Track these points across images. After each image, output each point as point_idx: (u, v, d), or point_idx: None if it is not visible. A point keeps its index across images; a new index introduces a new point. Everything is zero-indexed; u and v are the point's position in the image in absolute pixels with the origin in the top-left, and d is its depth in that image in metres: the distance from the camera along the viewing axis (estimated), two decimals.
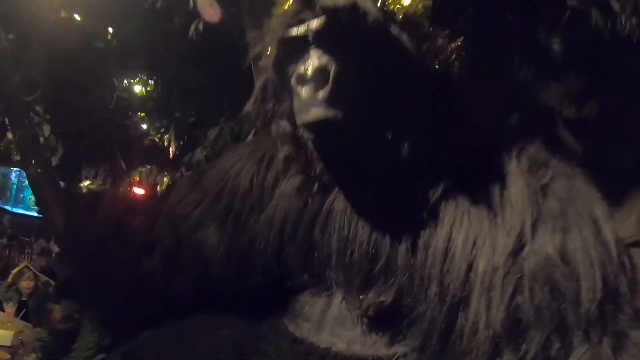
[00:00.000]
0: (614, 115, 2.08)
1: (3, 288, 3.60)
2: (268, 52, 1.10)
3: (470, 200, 1.02)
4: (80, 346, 1.61)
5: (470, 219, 1.01)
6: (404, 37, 1.00)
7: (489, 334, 0.92)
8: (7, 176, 7.80)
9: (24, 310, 3.35)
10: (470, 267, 0.97)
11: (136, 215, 1.39)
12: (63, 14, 3.12)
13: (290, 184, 1.19)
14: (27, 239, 5.36)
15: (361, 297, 1.06)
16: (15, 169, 7.21)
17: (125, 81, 4.05)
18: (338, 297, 1.12)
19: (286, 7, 1.05)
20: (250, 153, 1.29)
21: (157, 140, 4.11)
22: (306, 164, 1.12)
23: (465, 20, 1.79)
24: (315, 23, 0.98)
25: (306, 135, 1.04)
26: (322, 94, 0.95)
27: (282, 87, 1.08)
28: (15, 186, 7.88)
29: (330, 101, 0.95)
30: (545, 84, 1.93)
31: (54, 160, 4.10)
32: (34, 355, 2.18)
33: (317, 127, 0.98)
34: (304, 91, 0.97)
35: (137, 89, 4.06)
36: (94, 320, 1.68)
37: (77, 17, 3.24)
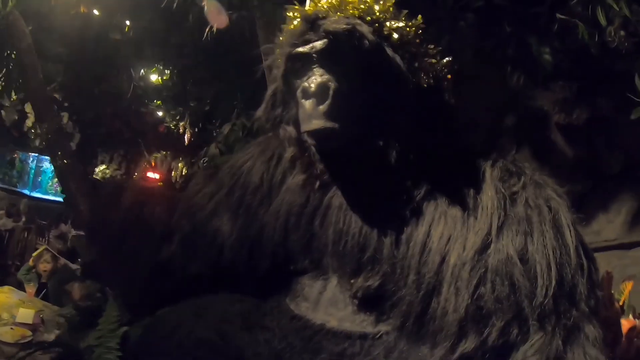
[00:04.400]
0: (604, 122, 2.18)
1: (24, 270, 3.75)
2: (277, 65, 1.23)
3: (448, 202, 1.15)
4: (105, 320, 1.75)
5: (446, 219, 1.14)
6: (397, 58, 1.13)
7: (455, 317, 1.05)
8: (25, 161, 7.81)
9: (44, 291, 3.50)
10: (443, 260, 1.11)
11: (157, 205, 1.54)
12: (82, 9, 3.23)
13: (295, 180, 1.32)
14: (45, 222, 5.50)
15: (352, 281, 1.20)
16: (33, 154, 7.34)
17: (142, 70, 4.14)
18: (333, 280, 1.25)
19: (293, 26, 1.18)
20: (261, 152, 1.42)
21: (173, 128, 4.23)
22: (309, 164, 1.26)
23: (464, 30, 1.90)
24: (318, 44, 1.12)
25: (309, 141, 1.18)
26: (322, 107, 1.09)
27: (289, 96, 1.22)
28: (33, 171, 7.88)
29: (329, 114, 1.09)
30: (537, 92, 2.04)
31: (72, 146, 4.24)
32: (55, 332, 2.26)
33: (318, 134, 1.12)
34: (308, 104, 1.11)
35: (154, 78, 4.13)
36: (117, 297, 1.84)
37: (95, 12, 3.34)
